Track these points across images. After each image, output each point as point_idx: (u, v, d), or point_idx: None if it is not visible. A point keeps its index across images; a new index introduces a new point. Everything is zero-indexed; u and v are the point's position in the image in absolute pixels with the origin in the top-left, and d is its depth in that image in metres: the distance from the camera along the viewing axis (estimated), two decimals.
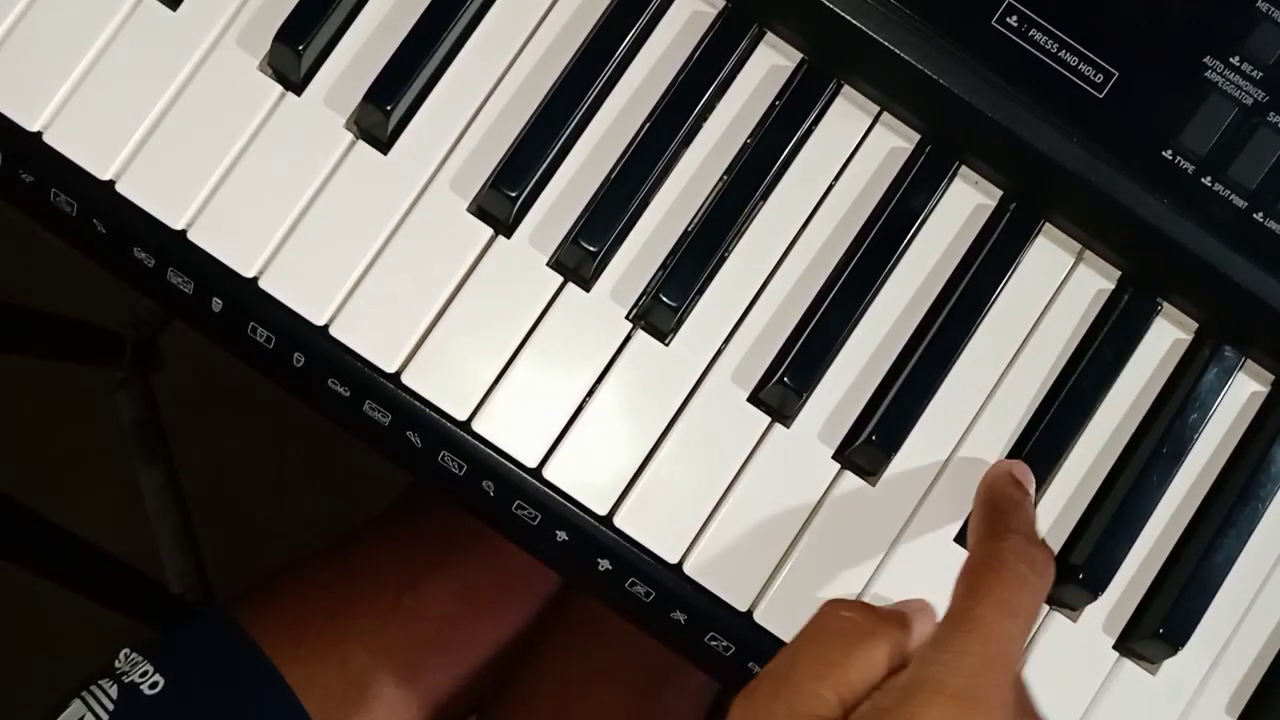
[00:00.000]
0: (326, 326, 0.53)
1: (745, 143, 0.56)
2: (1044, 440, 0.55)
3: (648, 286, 0.55)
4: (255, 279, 0.53)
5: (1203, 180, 0.54)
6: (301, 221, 0.53)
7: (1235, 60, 0.54)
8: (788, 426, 0.55)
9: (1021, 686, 0.51)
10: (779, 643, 0.54)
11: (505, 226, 0.54)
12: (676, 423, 0.54)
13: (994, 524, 0.50)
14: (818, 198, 0.56)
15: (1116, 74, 0.54)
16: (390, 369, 0.53)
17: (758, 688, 0.48)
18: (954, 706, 0.44)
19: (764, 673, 0.48)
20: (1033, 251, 0.56)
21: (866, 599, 0.54)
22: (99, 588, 1.12)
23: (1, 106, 0.53)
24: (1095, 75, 0.54)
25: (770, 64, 0.56)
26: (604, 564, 0.54)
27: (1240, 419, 0.57)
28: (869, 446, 0.54)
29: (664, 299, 0.53)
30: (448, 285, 0.54)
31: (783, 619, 0.54)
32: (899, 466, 0.55)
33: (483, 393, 0.53)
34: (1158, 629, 0.54)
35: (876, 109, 0.56)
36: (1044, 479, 0.55)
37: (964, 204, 0.56)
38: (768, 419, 0.54)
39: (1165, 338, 0.57)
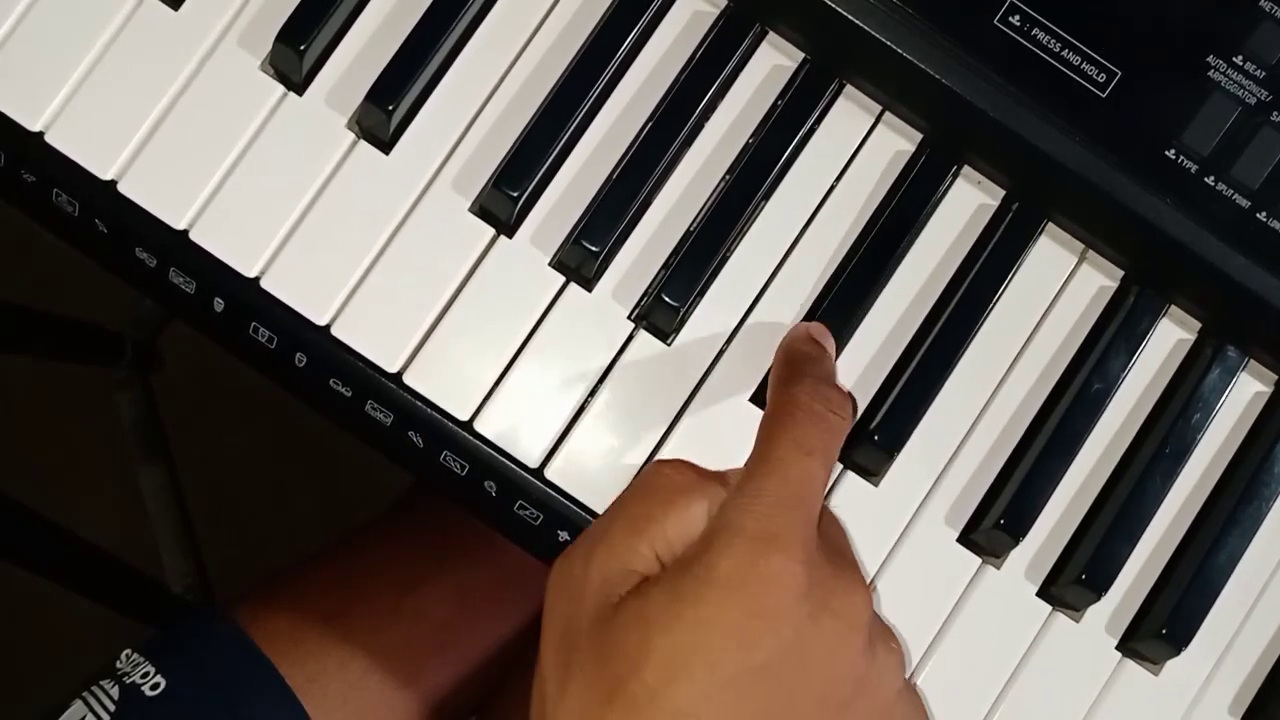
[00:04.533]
0: (328, 326, 0.53)
1: (747, 142, 0.55)
2: (1050, 441, 0.55)
3: (650, 286, 0.55)
4: (257, 279, 0.53)
5: (1205, 180, 0.54)
6: (303, 221, 0.53)
7: (1238, 59, 0.54)
8: None
9: (832, 526, 0.50)
10: None
11: (507, 226, 0.54)
12: (679, 423, 0.54)
13: (790, 371, 0.50)
14: (820, 197, 0.56)
15: (1119, 73, 0.54)
16: (392, 369, 0.53)
17: (575, 547, 0.48)
18: (752, 547, 0.44)
19: (584, 532, 0.48)
20: (1035, 252, 0.56)
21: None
22: (99, 588, 1.12)
23: (3, 106, 0.53)
24: (1098, 74, 0.54)
25: (772, 64, 0.56)
26: None
27: (1243, 419, 0.57)
28: (871, 447, 0.54)
29: (666, 299, 0.53)
30: (450, 285, 0.54)
31: None
32: (901, 467, 0.55)
33: (485, 393, 0.53)
34: (1161, 629, 0.54)
35: (879, 109, 0.56)
36: (1052, 479, 0.55)
37: (966, 204, 0.56)
38: None
39: (1168, 337, 0.57)
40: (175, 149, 0.53)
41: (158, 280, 0.54)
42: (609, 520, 0.48)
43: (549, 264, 0.54)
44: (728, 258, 0.55)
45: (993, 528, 0.54)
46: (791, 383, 0.49)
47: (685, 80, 0.55)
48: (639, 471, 0.49)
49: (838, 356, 0.54)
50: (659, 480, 0.48)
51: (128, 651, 0.68)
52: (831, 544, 0.48)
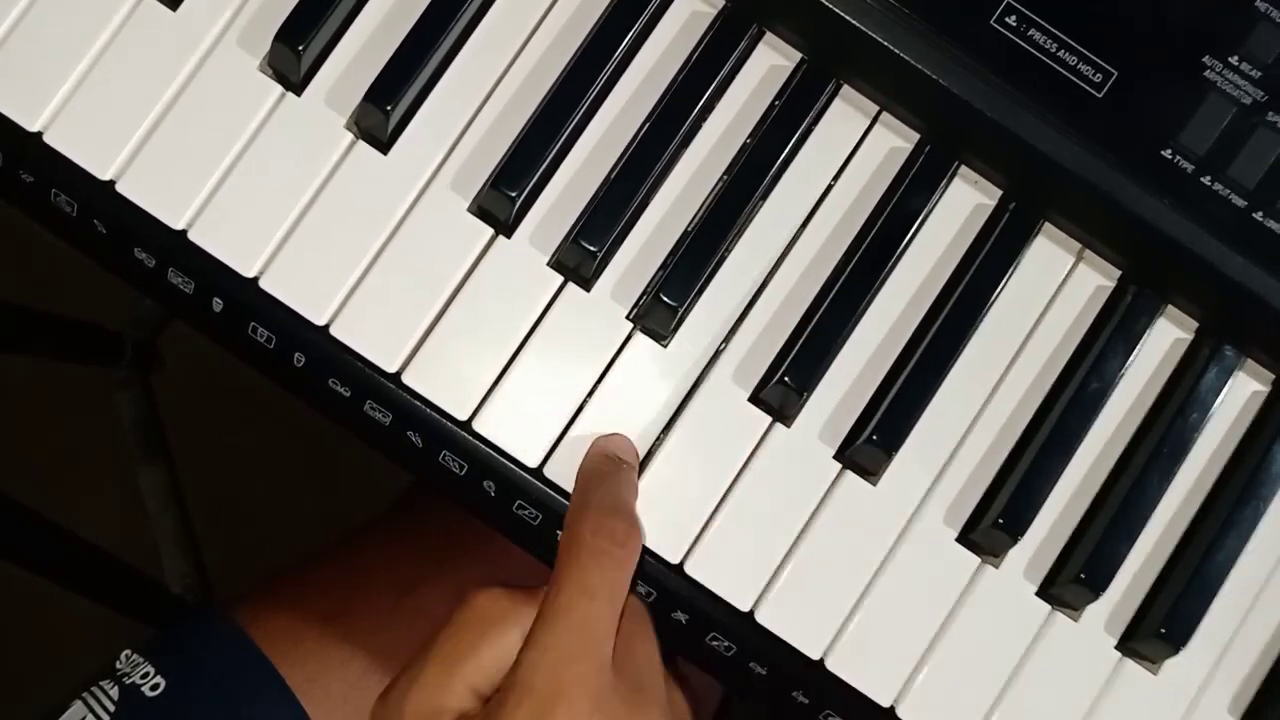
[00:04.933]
0: (327, 326, 0.53)
1: (745, 142, 0.56)
2: (1048, 440, 0.55)
3: (648, 286, 0.55)
4: (256, 279, 0.53)
5: (1202, 179, 0.54)
6: (302, 222, 0.53)
7: (1234, 60, 0.54)
8: (788, 426, 0.55)
9: (635, 656, 0.50)
10: (780, 643, 0.54)
11: (505, 226, 0.54)
12: (677, 422, 0.54)
13: (576, 502, 0.51)
14: (817, 197, 0.56)
15: (1116, 73, 0.54)
16: (391, 369, 0.53)
17: (391, 688, 0.48)
18: (540, 705, 0.45)
19: (401, 671, 0.49)
20: (1032, 251, 0.56)
21: (867, 603, 0.54)
22: (99, 588, 1.12)
23: (2, 106, 0.53)
24: (1094, 75, 0.54)
25: (769, 64, 0.56)
26: None
27: (1241, 418, 0.57)
28: (870, 446, 0.54)
29: (664, 299, 0.53)
30: (448, 285, 0.54)
31: (784, 619, 0.54)
32: (900, 467, 0.55)
33: (483, 392, 0.54)
34: (1159, 629, 0.54)
35: (876, 109, 0.56)
36: (1049, 479, 0.55)
37: (963, 203, 0.56)
38: (768, 419, 0.54)
39: (1165, 337, 0.57)
40: (174, 149, 0.53)
41: (157, 280, 0.54)
42: (423, 659, 0.48)
43: (547, 264, 0.54)
44: (725, 257, 0.55)
45: (991, 527, 0.54)
46: (576, 518, 0.50)
47: (683, 80, 0.55)
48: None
49: (835, 357, 0.54)
50: (470, 614, 0.49)
51: (127, 652, 0.68)
52: (632, 679, 0.48)
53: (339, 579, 0.73)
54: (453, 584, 0.72)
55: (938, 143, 0.56)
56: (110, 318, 1.29)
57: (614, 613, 0.48)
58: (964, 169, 0.56)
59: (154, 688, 0.66)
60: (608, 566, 0.48)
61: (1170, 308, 0.57)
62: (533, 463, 0.54)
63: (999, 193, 0.56)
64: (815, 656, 0.54)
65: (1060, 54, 0.54)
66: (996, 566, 0.55)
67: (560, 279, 0.54)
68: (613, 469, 0.52)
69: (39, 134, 0.53)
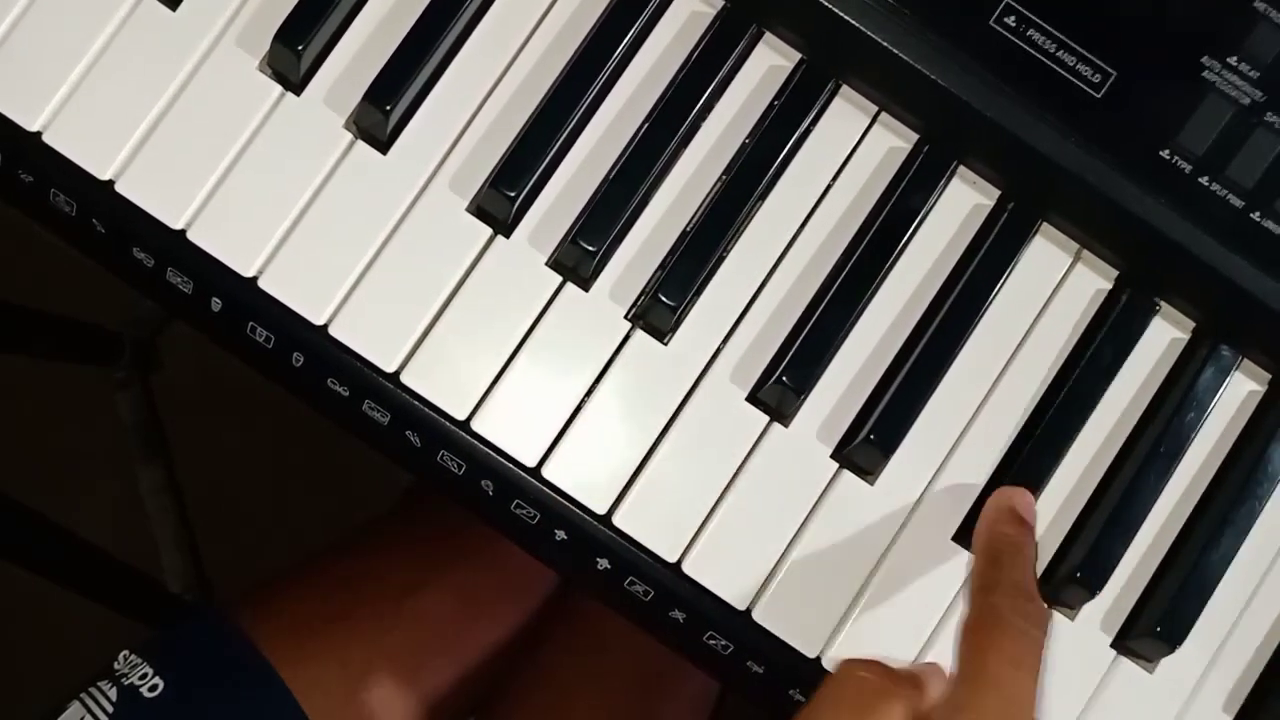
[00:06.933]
0: (326, 326, 0.53)
1: (744, 143, 0.56)
2: (1044, 439, 0.55)
3: (646, 286, 0.55)
4: (255, 279, 0.53)
5: (1200, 180, 0.54)
6: (301, 221, 0.54)
7: (1233, 60, 0.54)
8: (786, 426, 0.55)
9: None
10: (777, 641, 0.54)
11: (504, 226, 0.54)
12: (675, 422, 0.54)
13: (990, 574, 0.50)
14: (816, 197, 0.56)
15: (1114, 74, 0.54)
16: (389, 368, 0.53)
17: None
18: None
19: None
20: (1030, 251, 0.56)
21: (863, 602, 0.54)
22: (99, 588, 1.12)
23: (1, 106, 0.53)
24: (1093, 75, 0.54)
25: (769, 64, 0.56)
26: (603, 563, 0.54)
27: (1237, 418, 0.57)
28: (867, 446, 0.54)
29: (663, 299, 0.54)
30: (447, 285, 0.54)
31: (781, 618, 0.54)
32: (897, 466, 0.55)
33: (482, 392, 0.54)
34: (1155, 627, 0.54)
35: (875, 109, 0.56)
36: (1044, 478, 0.55)
37: (962, 204, 0.56)
38: (766, 418, 0.54)
39: (1162, 337, 0.57)
40: (173, 149, 0.53)
41: (156, 280, 0.54)
42: None
43: (546, 264, 0.54)
44: (724, 258, 0.55)
45: None
46: (992, 589, 0.49)
47: (682, 80, 0.55)
48: (832, 674, 0.48)
49: (832, 356, 0.55)
50: (849, 687, 0.47)
51: (126, 653, 0.68)
52: None
53: (339, 581, 0.73)
54: (453, 585, 0.72)
55: (936, 143, 0.56)
56: (110, 318, 1.29)
57: (1035, 689, 0.47)
58: (962, 169, 0.56)
59: (152, 689, 0.66)
60: (1030, 643, 0.47)
61: (1167, 308, 0.57)
62: (531, 462, 0.54)
63: (997, 193, 0.56)
64: (812, 655, 0.54)
65: (1059, 54, 0.54)
66: None
67: (559, 279, 0.54)
68: (1022, 539, 0.51)
69: (38, 134, 0.53)
